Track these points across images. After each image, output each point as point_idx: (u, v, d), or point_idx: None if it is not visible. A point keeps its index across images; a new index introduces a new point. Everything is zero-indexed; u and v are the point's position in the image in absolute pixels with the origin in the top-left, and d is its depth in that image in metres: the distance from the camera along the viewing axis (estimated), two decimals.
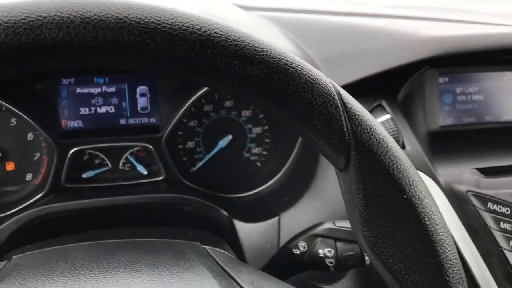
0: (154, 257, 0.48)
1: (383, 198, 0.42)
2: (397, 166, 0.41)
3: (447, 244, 0.42)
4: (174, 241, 0.54)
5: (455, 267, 0.42)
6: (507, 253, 0.63)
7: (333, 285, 0.64)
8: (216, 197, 0.79)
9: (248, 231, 0.70)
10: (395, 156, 0.42)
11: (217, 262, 0.49)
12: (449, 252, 0.42)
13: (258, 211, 0.75)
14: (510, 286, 0.62)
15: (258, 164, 0.83)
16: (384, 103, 0.70)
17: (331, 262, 0.54)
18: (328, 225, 0.55)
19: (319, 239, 0.55)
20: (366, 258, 0.54)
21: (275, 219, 0.70)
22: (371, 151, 0.41)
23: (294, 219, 0.65)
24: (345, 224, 0.54)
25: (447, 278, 0.42)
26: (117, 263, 0.46)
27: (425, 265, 0.41)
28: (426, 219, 0.42)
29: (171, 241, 0.53)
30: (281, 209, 0.72)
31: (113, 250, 0.50)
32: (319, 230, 0.55)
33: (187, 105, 0.73)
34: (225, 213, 0.72)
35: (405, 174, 0.42)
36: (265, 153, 0.83)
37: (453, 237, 0.63)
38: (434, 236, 0.41)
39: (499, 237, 0.64)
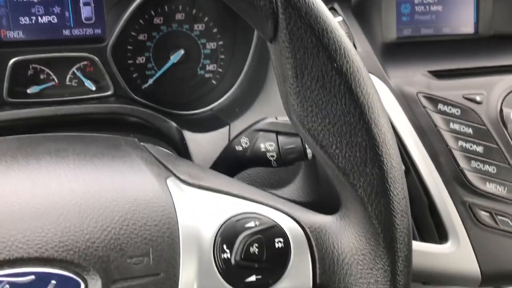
0: (84, 147, 0.47)
1: (313, 67, 0.40)
2: (328, 33, 0.39)
3: (380, 118, 0.41)
4: (109, 135, 0.52)
5: (389, 141, 0.41)
6: (455, 153, 0.63)
7: (282, 190, 0.63)
8: (168, 114, 0.77)
9: (198, 141, 0.69)
10: (326, 21, 0.40)
11: (153, 155, 0.47)
12: (382, 127, 0.41)
13: (208, 122, 0.73)
14: (457, 185, 0.63)
15: (213, 81, 0.81)
16: (336, 6, 0.67)
17: (272, 156, 0.53)
18: (269, 120, 0.53)
19: (260, 133, 0.54)
20: (309, 151, 0.53)
21: (226, 128, 0.69)
22: (299, 14, 0.39)
23: (243, 126, 0.64)
24: (287, 118, 0.53)
25: (379, 152, 0.41)
26: (43, 151, 0.44)
27: (357, 139, 0.40)
28: (359, 90, 0.40)
29: (105, 135, 0.51)
30: (231, 118, 0.70)
31: (41, 141, 0.48)
32: (260, 124, 0.54)
33: (130, 10, 0.70)
34: (174, 124, 0.70)
35: (336, 41, 0.40)
36: (220, 70, 0.81)
37: (400, 137, 0.63)
38: (366, 109, 0.40)
39: (448, 137, 0.63)
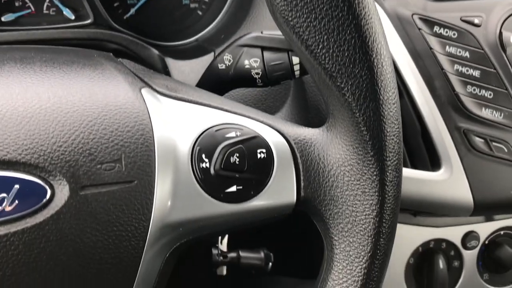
0: (53, 56, 0.43)
1: None
2: None
3: (371, 13, 0.38)
4: (83, 49, 0.49)
5: (380, 40, 0.38)
6: (450, 77, 0.60)
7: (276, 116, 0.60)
8: (151, 44, 0.73)
9: (181, 68, 0.65)
10: None
11: (128, 68, 0.44)
12: (373, 23, 0.37)
13: (193, 50, 0.70)
14: (452, 110, 0.60)
15: (199, 12, 0.77)
16: None
17: (257, 74, 0.50)
18: (254, 34, 0.50)
19: (244, 49, 0.50)
20: (296, 68, 0.50)
21: (210, 55, 0.66)
22: None
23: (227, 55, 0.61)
24: (273, 32, 0.50)
25: (369, 50, 0.37)
26: (7, 58, 0.41)
27: (345, 36, 0.37)
28: None
29: (78, 48, 0.48)
30: (216, 45, 0.67)
31: (6, 50, 0.44)
32: (244, 39, 0.50)
33: None
34: (156, 51, 0.66)
35: None
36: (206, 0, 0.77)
37: (394, 60, 0.60)
38: (356, 2, 0.37)
39: (444, 61, 0.60)
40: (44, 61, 0.41)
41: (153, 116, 0.38)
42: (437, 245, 0.67)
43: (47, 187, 0.34)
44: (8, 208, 0.33)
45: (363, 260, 0.40)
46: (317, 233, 0.69)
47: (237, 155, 0.39)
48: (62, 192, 0.34)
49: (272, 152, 0.40)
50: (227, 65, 0.51)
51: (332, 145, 0.40)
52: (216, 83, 0.52)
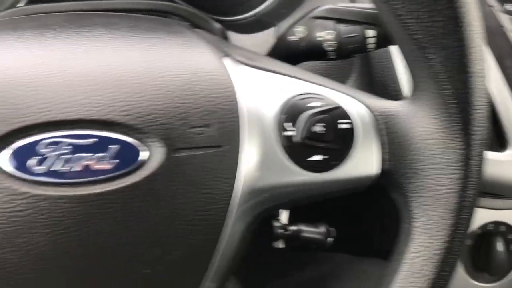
0: (136, 22, 0.44)
1: None
2: None
3: None
4: (160, 17, 0.49)
5: (473, 12, 0.37)
6: None
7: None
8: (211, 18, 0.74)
9: (243, 42, 0.65)
10: None
11: (207, 39, 0.44)
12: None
13: (254, 25, 0.69)
14: None
15: None
16: None
17: (330, 46, 0.50)
18: (329, 6, 0.49)
19: (318, 21, 0.50)
20: (369, 42, 0.49)
21: (272, 29, 0.65)
22: None
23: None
24: (348, 5, 0.49)
25: (462, 22, 0.36)
26: (94, 23, 0.42)
27: (437, 6, 0.36)
28: None
29: (156, 17, 0.49)
30: (278, 19, 0.67)
31: (90, 16, 0.45)
32: (318, 11, 0.50)
33: None
34: (218, 24, 0.66)
35: None
36: None
37: None
38: None
39: None
40: (131, 26, 0.41)
41: (236, 84, 0.38)
42: (496, 228, 0.66)
43: (143, 148, 0.34)
44: (106, 167, 0.34)
45: (445, 234, 0.39)
46: (375, 211, 0.69)
47: (321, 124, 0.38)
48: (157, 154, 0.35)
49: (355, 123, 0.39)
50: (298, 37, 0.51)
51: (417, 118, 0.40)
52: (286, 56, 0.52)
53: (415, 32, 0.37)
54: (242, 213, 0.38)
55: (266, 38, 0.65)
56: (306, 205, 0.44)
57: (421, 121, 0.40)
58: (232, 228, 0.38)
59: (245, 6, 0.76)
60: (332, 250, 0.66)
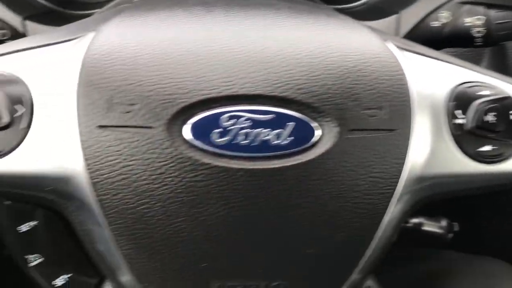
0: (289, 4, 0.44)
1: None
2: None
3: None
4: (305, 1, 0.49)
5: None
6: None
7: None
8: None
9: None
10: None
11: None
12: None
13: (374, 11, 0.68)
14: None
15: None
16: None
17: (479, 32, 0.48)
18: None
19: (465, 7, 0.48)
20: None
21: (394, 17, 0.64)
22: None
23: (416, 15, 0.58)
24: None
25: None
26: (255, 2, 0.42)
27: None
28: None
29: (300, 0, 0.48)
30: (399, 7, 0.65)
31: None
32: None
33: None
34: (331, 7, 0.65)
35: None
36: None
37: None
38: None
39: None
40: (290, 8, 0.41)
41: (405, 69, 0.37)
42: None
43: (317, 127, 0.34)
44: (283, 143, 0.34)
45: None
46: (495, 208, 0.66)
47: (493, 114, 0.37)
48: (330, 133, 0.34)
49: None
50: (442, 22, 0.49)
51: None
52: (426, 41, 0.50)
53: None
54: (403, 200, 0.37)
55: (387, 25, 0.63)
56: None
57: None
58: (393, 214, 0.37)
59: None
60: (448, 247, 0.64)
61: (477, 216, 0.67)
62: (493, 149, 0.37)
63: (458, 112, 0.37)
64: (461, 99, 0.37)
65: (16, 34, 0.50)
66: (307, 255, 0.36)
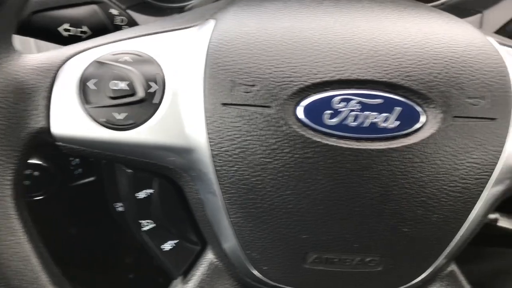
0: (397, 0, 0.46)
1: None
2: None
3: None
4: None
5: None
6: None
7: None
8: None
9: None
10: None
11: None
12: None
13: (453, 10, 0.69)
14: None
15: None
16: None
17: None
18: None
19: None
20: None
21: (477, 16, 0.64)
22: None
23: (501, 16, 0.59)
24: None
25: None
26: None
27: None
28: None
29: None
30: (483, 6, 0.66)
31: None
32: None
33: None
34: None
35: None
36: None
37: None
38: None
39: None
40: (391, 2, 0.44)
41: (507, 61, 0.39)
42: None
43: (423, 112, 0.37)
44: (390, 126, 0.36)
45: None
46: None
47: None
48: (434, 119, 0.37)
49: None
50: None
51: None
52: None
53: None
54: (496, 188, 0.39)
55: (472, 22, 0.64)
56: None
57: None
58: (484, 202, 0.39)
59: None
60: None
61: None
62: None
63: None
64: None
65: (130, 22, 0.55)
66: (402, 234, 0.38)
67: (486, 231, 0.61)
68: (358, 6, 0.41)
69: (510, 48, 0.41)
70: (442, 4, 0.75)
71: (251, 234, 0.39)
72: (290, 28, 0.38)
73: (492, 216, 0.58)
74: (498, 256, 0.69)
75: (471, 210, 0.39)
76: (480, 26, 0.64)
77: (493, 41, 0.41)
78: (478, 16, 0.65)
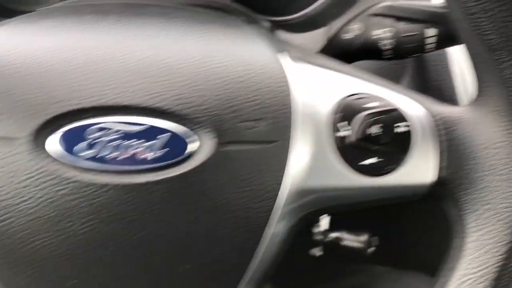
0: (191, 14, 0.43)
1: None
2: None
3: None
4: (217, 11, 0.48)
5: None
6: None
7: None
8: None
9: (293, 42, 0.64)
10: None
11: (264, 34, 0.43)
12: None
13: (305, 24, 0.68)
14: None
15: None
16: None
17: (387, 45, 0.48)
18: (387, 3, 0.47)
19: (375, 19, 0.48)
20: (428, 42, 0.47)
21: (325, 28, 0.64)
22: None
23: (336, 27, 0.58)
24: (407, 2, 0.47)
25: None
26: (150, 12, 0.41)
27: None
28: None
29: (212, 11, 0.48)
30: (331, 18, 0.65)
31: (147, 6, 0.44)
32: (377, 8, 0.48)
33: None
34: (267, 23, 0.65)
35: None
36: None
37: None
38: None
39: None
40: (185, 18, 0.41)
41: (291, 80, 0.37)
42: None
43: (192, 139, 0.33)
44: (155, 156, 0.33)
45: (503, 251, 0.37)
46: (421, 222, 0.66)
47: (377, 127, 0.37)
48: (206, 146, 0.34)
49: (414, 127, 0.37)
50: (353, 35, 0.49)
51: (481, 125, 0.37)
52: (338, 54, 0.50)
53: (487, 32, 0.35)
54: (287, 214, 0.36)
55: (316, 37, 0.63)
56: (346, 212, 0.42)
57: (484, 129, 0.37)
58: (275, 229, 0.36)
59: (294, 6, 0.75)
60: (371, 261, 0.63)
61: (409, 229, 0.67)
62: (377, 161, 0.36)
63: (343, 124, 0.36)
64: (346, 111, 0.37)
65: None
66: (185, 271, 0.35)
67: (339, 250, 0.61)
68: (141, 22, 0.38)
69: (307, 65, 0.39)
70: (302, 16, 0.75)
71: (17, 282, 0.35)
72: (52, 49, 0.34)
73: (333, 235, 0.57)
74: (360, 272, 0.68)
75: (259, 241, 0.36)
76: (323, 38, 0.63)
77: (286, 59, 0.39)
78: (323, 28, 0.64)
